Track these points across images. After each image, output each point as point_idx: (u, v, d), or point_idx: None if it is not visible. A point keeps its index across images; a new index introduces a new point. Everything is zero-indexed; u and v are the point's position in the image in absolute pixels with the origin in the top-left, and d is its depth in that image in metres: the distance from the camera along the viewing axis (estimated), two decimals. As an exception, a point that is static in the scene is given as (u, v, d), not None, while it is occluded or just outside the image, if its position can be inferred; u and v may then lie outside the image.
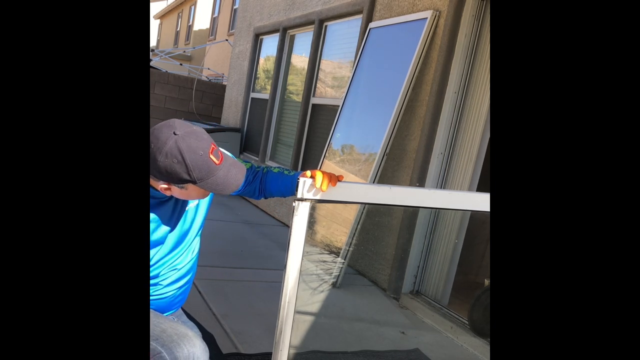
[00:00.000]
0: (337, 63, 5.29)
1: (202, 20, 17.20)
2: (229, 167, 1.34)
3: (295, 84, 6.17)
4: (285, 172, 1.65)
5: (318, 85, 5.55)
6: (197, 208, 1.57)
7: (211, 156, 1.29)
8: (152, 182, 1.33)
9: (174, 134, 1.25)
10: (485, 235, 4.05)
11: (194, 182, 1.29)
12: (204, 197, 1.41)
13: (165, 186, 1.32)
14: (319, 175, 1.24)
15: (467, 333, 3.11)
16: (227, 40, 11.94)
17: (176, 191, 1.34)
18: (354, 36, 4.87)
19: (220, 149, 1.37)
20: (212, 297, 3.17)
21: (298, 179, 1.25)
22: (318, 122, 5.46)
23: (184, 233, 1.54)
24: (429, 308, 3.48)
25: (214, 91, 9.34)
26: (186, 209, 1.51)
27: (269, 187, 1.62)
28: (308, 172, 1.31)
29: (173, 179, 1.28)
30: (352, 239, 3.81)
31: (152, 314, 1.53)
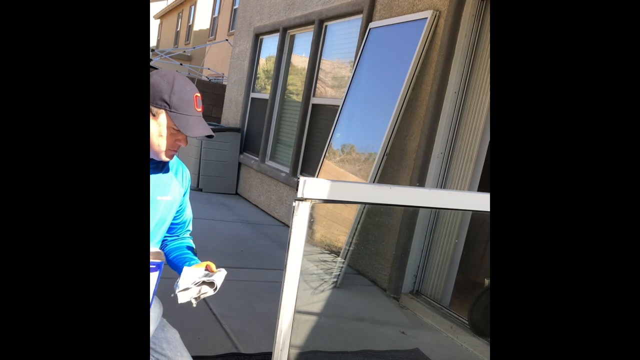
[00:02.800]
0: (337, 63, 5.29)
1: (202, 20, 17.20)
2: (202, 121, 1.44)
3: (295, 84, 6.17)
4: (189, 256, 1.65)
5: (318, 85, 5.55)
6: (171, 204, 1.56)
7: (195, 98, 1.42)
8: None
9: (177, 71, 1.45)
10: (485, 235, 4.05)
11: (168, 106, 1.38)
12: (165, 151, 1.44)
13: None
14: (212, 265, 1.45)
15: (467, 333, 3.11)
16: (227, 40, 11.94)
17: (152, 125, 1.40)
18: (354, 36, 4.87)
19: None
20: (212, 297, 3.16)
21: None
22: (318, 122, 5.46)
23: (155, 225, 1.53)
24: (429, 308, 3.48)
25: (214, 91, 9.34)
26: (157, 200, 1.50)
27: (170, 248, 1.66)
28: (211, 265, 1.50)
29: (155, 95, 1.38)
30: (352, 238, 3.81)
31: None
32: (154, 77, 1.40)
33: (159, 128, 1.41)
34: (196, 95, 1.43)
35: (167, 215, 1.55)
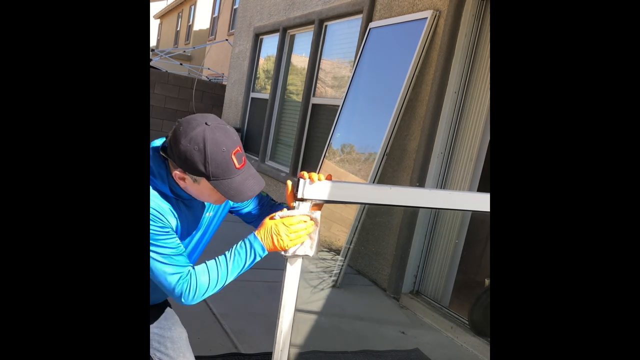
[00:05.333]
0: (337, 63, 5.29)
1: (202, 20, 17.20)
2: (248, 175, 1.28)
3: (295, 84, 6.17)
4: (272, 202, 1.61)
5: (318, 85, 5.55)
6: (212, 219, 1.51)
7: (233, 157, 1.24)
8: (171, 166, 1.29)
9: (206, 123, 1.23)
10: (485, 233, 4.05)
11: (207, 177, 1.24)
12: (215, 201, 1.35)
13: (180, 174, 1.27)
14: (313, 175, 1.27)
15: (467, 333, 3.11)
16: (227, 40, 11.94)
17: (189, 183, 1.28)
18: (354, 36, 4.87)
19: (245, 155, 1.31)
20: (212, 297, 3.17)
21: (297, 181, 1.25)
22: (318, 122, 5.46)
23: (197, 240, 1.50)
24: (429, 308, 3.48)
25: (214, 91, 9.34)
26: (202, 216, 1.46)
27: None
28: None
29: (189, 167, 1.23)
30: (352, 238, 3.81)
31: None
32: (182, 143, 1.21)
33: (201, 190, 1.30)
34: (235, 152, 1.24)
35: (210, 228, 1.52)
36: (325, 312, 3.34)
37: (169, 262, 1.26)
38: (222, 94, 8.98)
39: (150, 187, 1.27)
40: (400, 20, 4.08)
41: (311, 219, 1.30)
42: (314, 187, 1.26)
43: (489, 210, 1.17)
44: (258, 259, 1.33)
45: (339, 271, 3.79)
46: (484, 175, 3.46)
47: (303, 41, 6.06)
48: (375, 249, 4.02)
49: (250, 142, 7.17)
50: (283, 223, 1.29)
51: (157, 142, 1.35)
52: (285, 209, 1.32)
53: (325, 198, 1.28)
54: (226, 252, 1.34)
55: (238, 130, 7.26)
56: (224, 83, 10.21)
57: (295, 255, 1.30)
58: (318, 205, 1.35)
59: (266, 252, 1.32)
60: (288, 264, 1.31)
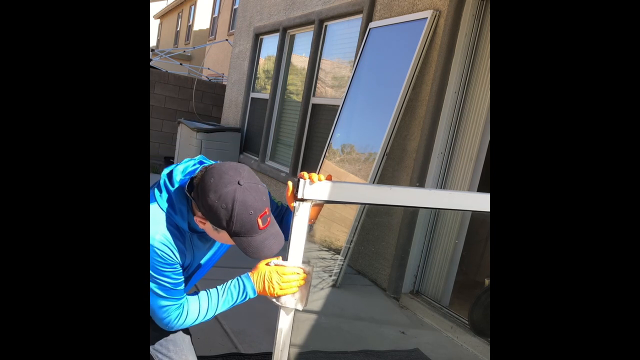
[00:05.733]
0: (337, 63, 5.29)
1: (202, 20, 17.20)
2: (269, 235, 1.29)
3: (295, 84, 6.17)
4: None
5: (318, 85, 5.55)
6: (219, 244, 1.53)
7: (259, 219, 1.24)
8: (194, 207, 1.29)
9: (239, 183, 1.22)
10: (485, 233, 4.05)
11: (229, 233, 1.25)
12: (232, 243, 1.36)
13: (202, 220, 1.28)
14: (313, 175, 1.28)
15: (467, 333, 3.11)
16: (227, 40, 11.93)
17: (209, 228, 1.29)
18: (354, 36, 4.87)
19: (271, 215, 1.32)
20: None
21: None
22: (318, 122, 5.46)
23: (207, 261, 1.52)
24: (429, 308, 3.48)
25: (214, 91, 9.34)
26: (214, 243, 1.48)
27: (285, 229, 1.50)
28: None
29: (213, 219, 1.24)
30: (352, 238, 3.81)
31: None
32: (210, 197, 1.20)
33: (220, 237, 1.30)
34: (262, 215, 1.25)
35: (220, 251, 1.54)
36: (325, 312, 3.34)
37: (166, 294, 1.29)
38: (222, 94, 8.98)
39: (166, 222, 1.28)
40: (400, 20, 4.08)
41: (304, 272, 1.34)
42: (314, 187, 1.26)
43: (489, 210, 1.17)
44: (248, 299, 1.37)
45: (339, 271, 3.79)
46: (484, 175, 3.46)
47: (303, 41, 6.06)
48: (375, 249, 4.02)
49: (250, 142, 7.17)
50: (277, 272, 1.33)
51: (180, 170, 1.33)
52: (280, 258, 1.35)
53: (325, 198, 1.28)
54: (218, 287, 1.38)
55: (238, 130, 7.26)
56: (224, 83, 10.21)
57: (283, 307, 1.33)
58: (318, 205, 1.35)
59: (256, 294, 1.37)
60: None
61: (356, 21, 4.90)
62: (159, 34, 23.80)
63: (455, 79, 3.58)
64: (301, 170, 5.60)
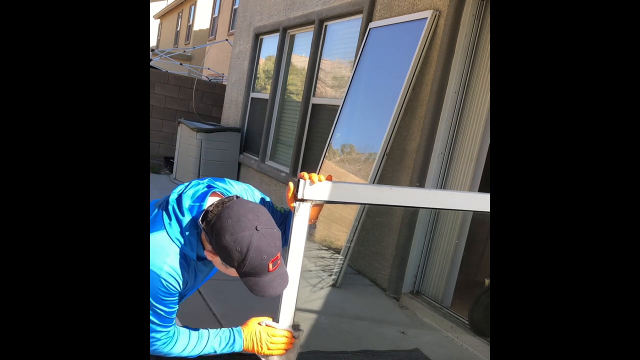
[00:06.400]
0: (337, 63, 5.29)
1: (202, 20, 17.19)
2: (276, 276, 1.28)
3: (295, 84, 6.17)
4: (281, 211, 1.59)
5: (318, 85, 5.55)
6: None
7: (270, 263, 1.25)
8: (205, 241, 1.29)
9: (256, 228, 1.21)
10: (485, 233, 4.05)
11: (238, 273, 1.27)
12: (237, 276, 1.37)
13: (212, 253, 1.28)
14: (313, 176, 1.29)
15: (467, 333, 3.11)
16: (227, 40, 11.93)
17: (217, 262, 1.30)
18: (354, 36, 4.87)
19: (282, 258, 1.32)
20: (212, 297, 3.17)
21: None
22: (318, 122, 5.46)
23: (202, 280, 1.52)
24: (429, 308, 3.48)
25: (214, 91, 9.33)
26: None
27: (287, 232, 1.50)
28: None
29: (224, 258, 1.25)
30: (352, 238, 3.81)
31: None
32: (225, 238, 1.20)
33: (230, 272, 1.31)
34: (273, 260, 1.25)
35: (214, 270, 1.54)
36: (325, 312, 3.34)
37: (160, 321, 1.31)
38: (222, 94, 8.98)
39: (175, 253, 1.28)
40: (400, 20, 4.08)
41: (292, 336, 1.38)
42: (314, 187, 1.26)
43: (489, 210, 1.17)
44: (231, 351, 1.43)
45: (338, 271, 3.79)
46: (484, 175, 3.45)
47: (303, 41, 6.06)
48: (375, 249, 4.02)
49: (250, 142, 7.16)
50: (267, 332, 1.37)
51: (189, 195, 1.32)
52: (271, 319, 1.40)
53: (326, 198, 1.28)
54: (210, 330, 1.42)
55: (238, 130, 7.26)
56: (224, 83, 10.21)
57: None
58: (319, 205, 1.35)
59: (242, 350, 1.42)
60: (289, 264, 1.33)
61: (356, 21, 4.89)
62: (159, 34, 23.80)
63: (455, 79, 3.58)
64: (301, 170, 5.60)
